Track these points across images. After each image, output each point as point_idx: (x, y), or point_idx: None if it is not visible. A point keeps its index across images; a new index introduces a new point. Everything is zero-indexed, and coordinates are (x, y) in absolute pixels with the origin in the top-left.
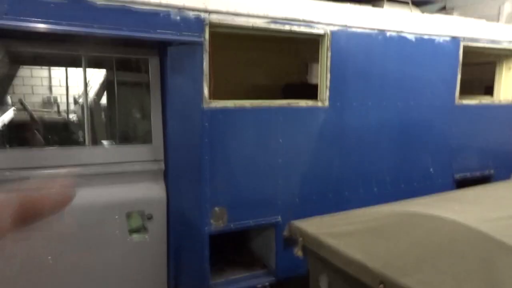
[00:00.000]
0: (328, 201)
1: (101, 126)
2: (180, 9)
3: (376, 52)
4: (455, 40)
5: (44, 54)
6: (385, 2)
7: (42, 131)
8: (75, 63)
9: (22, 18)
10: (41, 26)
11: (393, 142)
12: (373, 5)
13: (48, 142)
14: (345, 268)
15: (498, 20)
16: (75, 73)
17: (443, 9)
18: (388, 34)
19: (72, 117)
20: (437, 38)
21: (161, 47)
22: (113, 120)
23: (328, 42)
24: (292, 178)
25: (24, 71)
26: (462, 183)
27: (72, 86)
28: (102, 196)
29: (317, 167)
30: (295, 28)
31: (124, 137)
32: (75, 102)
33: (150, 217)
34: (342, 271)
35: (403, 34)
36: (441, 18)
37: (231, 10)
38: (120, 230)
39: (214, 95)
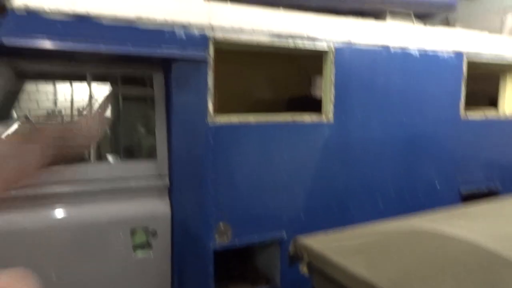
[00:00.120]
0: (333, 216)
1: (106, 141)
2: (185, 26)
3: (380, 67)
4: (458, 54)
5: (49, 71)
6: (388, 15)
7: None
8: (80, 78)
9: (28, 36)
10: (48, 44)
11: (398, 156)
12: (376, 18)
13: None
14: (351, 286)
15: (501, 32)
16: (80, 87)
17: (445, 21)
18: (392, 49)
19: None
20: (440, 52)
21: (165, 63)
22: (118, 135)
23: (332, 57)
24: (297, 193)
25: (30, 86)
26: (468, 197)
27: (77, 100)
28: (106, 212)
29: (322, 182)
30: (299, 44)
31: (129, 152)
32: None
33: (154, 233)
34: None
35: (407, 49)
36: (445, 31)
37: (236, 26)
38: (124, 246)
39: (218, 109)
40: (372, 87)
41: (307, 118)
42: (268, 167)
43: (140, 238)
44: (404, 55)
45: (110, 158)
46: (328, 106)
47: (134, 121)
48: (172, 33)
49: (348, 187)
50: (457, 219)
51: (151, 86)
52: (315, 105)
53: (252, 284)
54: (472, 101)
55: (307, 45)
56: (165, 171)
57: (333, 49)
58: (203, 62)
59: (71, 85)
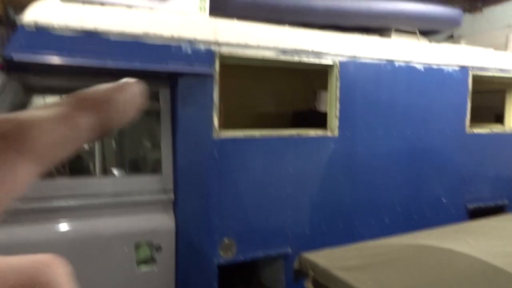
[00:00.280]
0: (339, 231)
1: (111, 156)
2: (191, 41)
3: (385, 82)
4: (464, 69)
5: (57, 85)
6: (393, 32)
7: None
8: None
9: (37, 52)
10: (56, 60)
11: (403, 171)
12: (381, 35)
13: (58, 172)
14: None
15: (506, 48)
16: None
17: (450, 38)
18: (396, 64)
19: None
20: (446, 68)
21: (172, 78)
22: (123, 149)
23: (337, 72)
24: (302, 208)
25: (38, 100)
26: (475, 213)
27: None
28: (111, 226)
29: (327, 197)
30: (305, 59)
31: (134, 166)
32: None
33: (158, 248)
34: None
35: (411, 64)
36: (450, 48)
37: (241, 42)
38: (128, 261)
39: (223, 123)
40: (377, 102)
41: (312, 132)
42: (273, 182)
43: (144, 252)
44: (409, 70)
45: (115, 172)
46: (333, 120)
47: (139, 135)
48: (179, 49)
49: (353, 202)
50: (463, 235)
51: (157, 101)
52: (319, 119)
53: None
54: (478, 117)
55: (312, 59)
56: (170, 185)
57: (338, 64)
58: (209, 77)
59: None
